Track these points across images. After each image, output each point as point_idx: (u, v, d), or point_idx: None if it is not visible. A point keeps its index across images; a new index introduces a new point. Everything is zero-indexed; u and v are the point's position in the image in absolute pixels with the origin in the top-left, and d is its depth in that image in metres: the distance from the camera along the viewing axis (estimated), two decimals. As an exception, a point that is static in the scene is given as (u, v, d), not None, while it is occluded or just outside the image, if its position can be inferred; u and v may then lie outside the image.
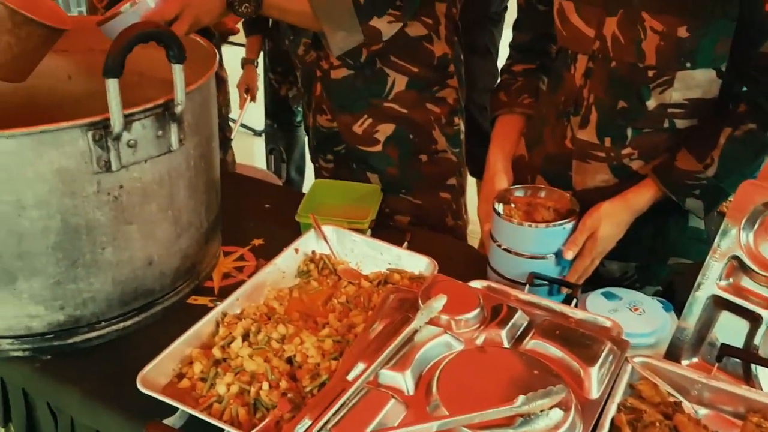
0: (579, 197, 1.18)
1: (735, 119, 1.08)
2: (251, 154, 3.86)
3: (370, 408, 0.84)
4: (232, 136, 2.43)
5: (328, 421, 0.82)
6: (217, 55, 1.20)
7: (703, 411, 0.90)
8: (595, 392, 0.88)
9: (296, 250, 1.24)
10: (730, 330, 1.00)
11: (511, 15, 2.40)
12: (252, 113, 2.79)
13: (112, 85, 0.91)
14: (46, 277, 1.01)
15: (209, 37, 1.33)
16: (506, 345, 0.95)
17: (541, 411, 0.81)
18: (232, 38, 2.53)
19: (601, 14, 1.11)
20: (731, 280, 0.99)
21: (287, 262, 1.22)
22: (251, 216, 1.48)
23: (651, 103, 1.12)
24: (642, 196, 1.13)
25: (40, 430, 1.13)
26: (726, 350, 0.95)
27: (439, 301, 0.97)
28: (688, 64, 1.07)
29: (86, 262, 1.02)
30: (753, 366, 0.96)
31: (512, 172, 1.29)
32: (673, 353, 1.01)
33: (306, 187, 3.07)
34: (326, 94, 1.60)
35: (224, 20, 1.35)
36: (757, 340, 0.97)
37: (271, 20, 2.41)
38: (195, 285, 1.22)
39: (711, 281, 0.98)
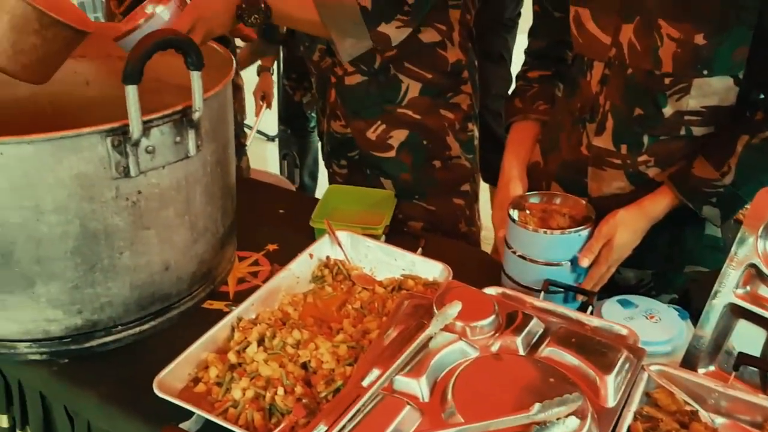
0: (594, 204, 1.18)
1: (752, 127, 1.08)
2: (264, 159, 3.88)
3: (386, 414, 0.84)
4: (248, 143, 2.45)
5: (343, 427, 0.82)
6: (234, 62, 1.21)
7: (720, 420, 0.90)
8: (611, 400, 0.87)
9: (311, 256, 1.24)
10: (747, 338, 0.99)
11: (525, 21, 2.41)
12: (265, 119, 2.81)
13: (132, 92, 0.92)
14: (65, 282, 1.02)
15: (225, 44, 1.35)
16: (522, 352, 0.95)
17: (557, 419, 0.81)
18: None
19: (617, 21, 1.11)
20: (748, 288, 0.98)
21: (302, 267, 1.22)
22: (266, 221, 1.48)
23: (667, 111, 1.12)
24: (658, 204, 1.12)
25: (56, 433, 1.14)
26: (743, 359, 0.94)
27: (454, 308, 0.97)
28: (705, 72, 1.07)
29: (104, 266, 1.03)
30: (770, 375, 0.96)
31: (527, 178, 1.29)
32: (689, 362, 1.01)
33: (319, 193, 3.09)
34: (340, 100, 1.60)
35: (239, 26, 1.36)
36: (774, 349, 0.97)
37: (285, 28, 2.43)
38: (211, 290, 1.23)
39: (728, 289, 0.98)
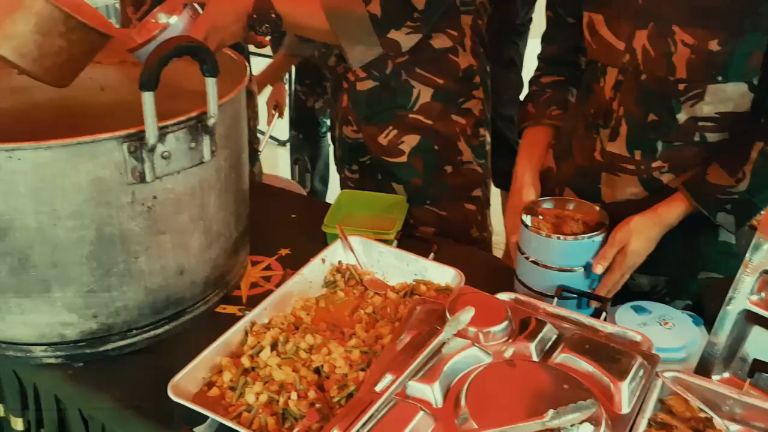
0: (608, 210, 1.18)
1: (767, 133, 1.07)
2: (275, 163, 3.89)
3: (399, 420, 0.84)
4: (261, 149, 2.46)
5: (357, 432, 0.82)
6: (248, 69, 1.22)
7: (734, 427, 0.89)
8: (625, 407, 0.87)
9: (323, 260, 1.25)
10: (761, 345, 0.98)
11: (536, 25, 2.41)
12: (277, 124, 2.82)
13: (148, 99, 0.93)
14: (80, 286, 1.03)
15: (239, 51, 1.36)
16: (535, 358, 0.95)
17: (571, 426, 0.81)
18: (260, 51, 2.56)
19: (631, 27, 1.11)
20: (763, 294, 0.98)
21: (314, 272, 1.23)
22: (278, 226, 1.49)
23: (681, 117, 1.11)
24: (673, 211, 1.12)
25: (71, 436, 1.14)
26: (758, 366, 0.94)
27: (467, 314, 0.97)
28: (720, 78, 1.07)
29: (119, 271, 1.04)
30: (785, 382, 0.95)
31: (540, 184, 1.29)
32: (703, 368, 1.00)
33: (329, 197, 3.10)
34: (352, 106, 1.61)
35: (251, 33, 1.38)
36: (789, 356, 0.96)
37: None
38: (224, 294, 1.23)
39: (742, 296, 0.97)
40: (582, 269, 1.14)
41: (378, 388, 0.89)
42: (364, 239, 1.28)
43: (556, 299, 1.11)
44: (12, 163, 0.93)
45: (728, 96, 1.08)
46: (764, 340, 0.98)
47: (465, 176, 1.62)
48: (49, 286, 1.02)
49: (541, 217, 1.19)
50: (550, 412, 0.82)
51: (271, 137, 4.11)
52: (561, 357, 0.94)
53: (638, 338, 0.99)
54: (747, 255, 0.96)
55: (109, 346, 1.10)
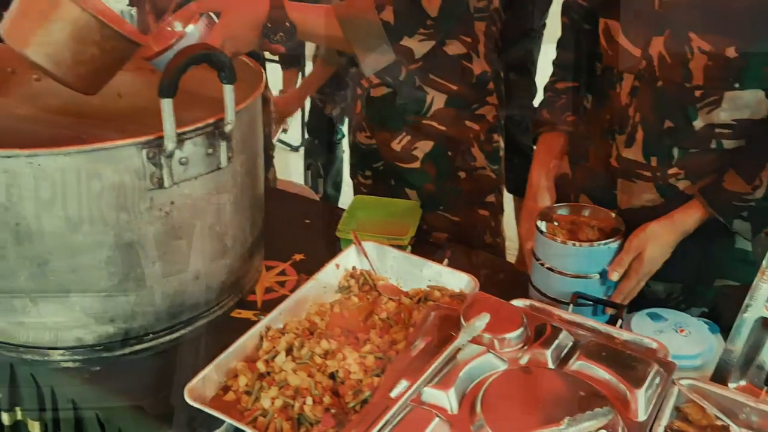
0: (624, 216, 1.17)
1: (784, 140, 1.07)
2: (288, 169, 3.91)
3: (415, 426, 0.84)
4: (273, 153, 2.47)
5: (373, 438, 0.82)
6: (264, 76, 1.22)
7: (752, 436, 0.89)
8: (641, 415, 0.87)
9: (337, 266, 1.25)
10: (779, 353, 0.98)
11: (549, 31, 2.40)
12: (289, 129, 2.84)
13: (167, 105, 0.94)
14: (98, 291, 1.04)
15: (255, 58, 1.37)
16: (551, 365, 0.95)
17: (588, 433, 0.81)
18: (275, 57, 2.57)
19: (647, 33, 1.11)
20: (780, 302, 0.97)
21: (328, 277, 1.23)
22: (292, 231, 1.50)
23: (698, 123, 1.11)
24: (689, 218, 1.11)
25: (87, 440, 1.15)
26: (775, 374, 0.93)
27: (482, 320, 0.97)
28: (737, 85, 1.06)
29: (137, 276, 1.05)
30: (803, 391, 0.94)
31: (555, 190, 1.29)
32: (720, 376, 1.00)
33: (341, 203, 3.11)
34: (366, 112, 1.61)
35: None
36: (807, 365, 0.95)
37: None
38: (239, 299, 1.24)
39: (759, 303, 0.97)
40: (598, 276, 1.14)
41: (393, 394, 0.89)
42: (378, 245, 1.28)
43: (571, 306, 1.11)
44: (31, 169, 0.94)
45: (745, 103, 1.08)
46: (782, 348, 0.98)
47: (478, 182, 1.62)
48: (67, 290, 1.03)
49: (556, 223, 1.19)
50: (566, 419, 0.81)
51: (283, 142, 4.14)
52: (577, 364, 0.94)
53: (654, 345, 0.99)
54: (764, 262, 0.95)
55: (126, 351, 1.11)
